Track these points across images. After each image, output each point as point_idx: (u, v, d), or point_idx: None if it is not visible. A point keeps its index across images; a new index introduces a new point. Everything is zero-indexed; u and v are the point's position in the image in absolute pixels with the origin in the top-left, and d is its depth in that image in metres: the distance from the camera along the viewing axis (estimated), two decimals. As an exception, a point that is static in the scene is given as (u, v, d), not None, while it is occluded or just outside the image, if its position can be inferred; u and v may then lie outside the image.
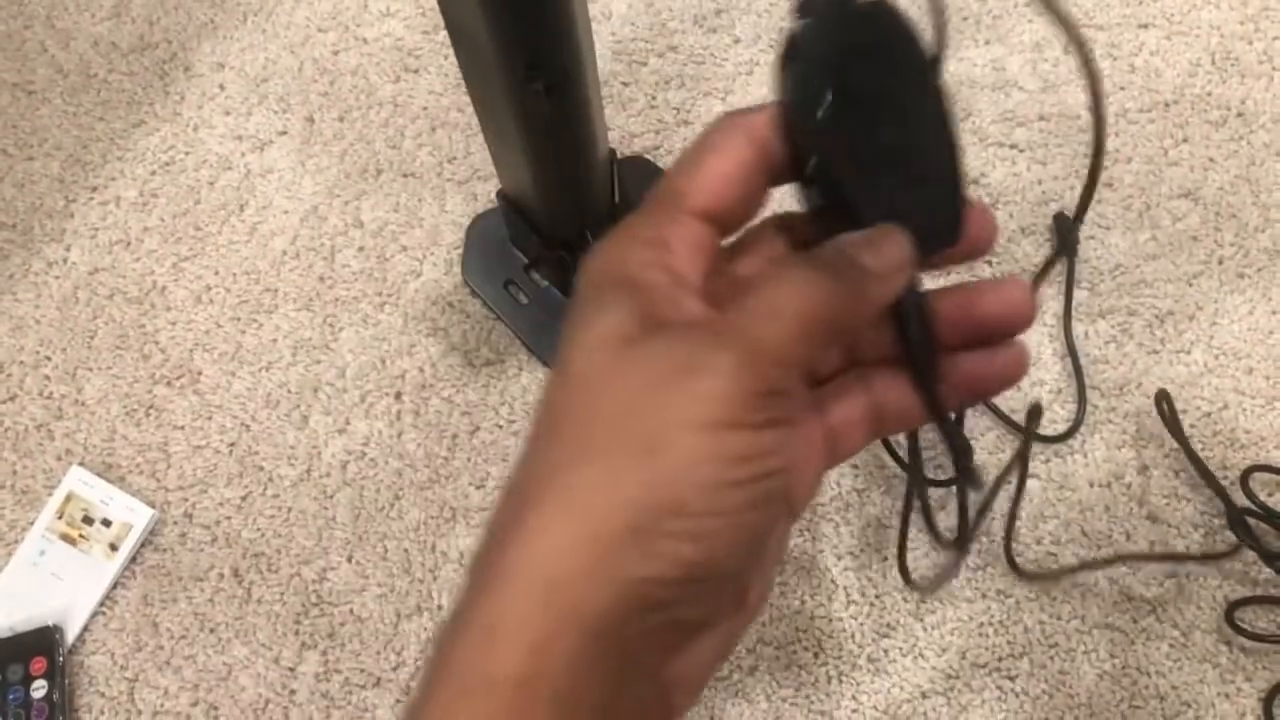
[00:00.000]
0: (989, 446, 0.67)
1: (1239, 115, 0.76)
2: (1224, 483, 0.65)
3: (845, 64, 0.27)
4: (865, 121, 0.27)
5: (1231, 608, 0.62)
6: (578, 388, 0.25)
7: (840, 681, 0.63)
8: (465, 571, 0.26)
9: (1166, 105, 0.76)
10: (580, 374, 0.25)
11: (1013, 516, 0.64)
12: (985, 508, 0.61)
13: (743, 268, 0.30)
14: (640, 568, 0.23)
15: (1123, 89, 0.77)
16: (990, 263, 0.72)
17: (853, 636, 0.64)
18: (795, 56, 0.28)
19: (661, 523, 0.23)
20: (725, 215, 0.28)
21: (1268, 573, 0.63)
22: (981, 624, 0.64)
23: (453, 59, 0.81)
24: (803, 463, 0.28)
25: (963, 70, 0.79)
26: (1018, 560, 0.64)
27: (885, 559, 0.66)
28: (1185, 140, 0.75)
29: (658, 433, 0.24)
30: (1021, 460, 0.63)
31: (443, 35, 0.84)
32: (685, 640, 0.26)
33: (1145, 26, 0.79)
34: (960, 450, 0.32)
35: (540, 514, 0.24)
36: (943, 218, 0.28)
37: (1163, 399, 0.65)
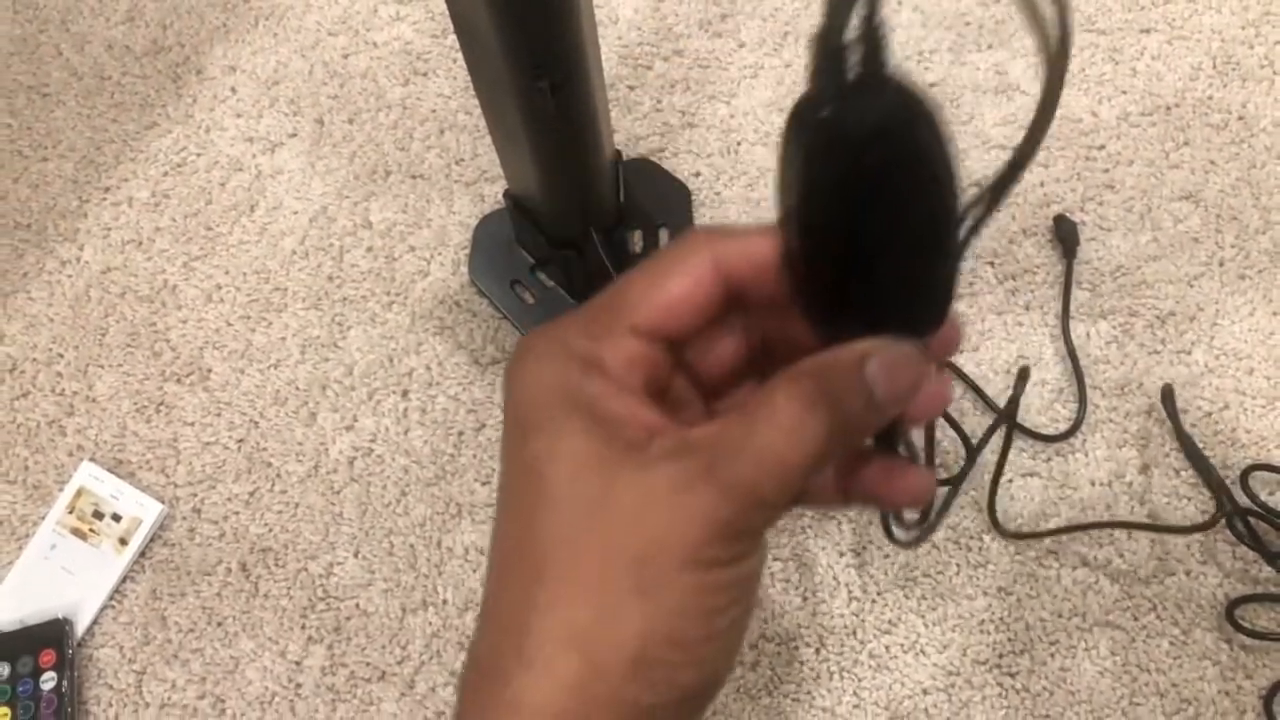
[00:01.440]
0: (990, 445, 0.68)
1: (1240, 119, 0.76)
2: (1225, 481, 0.66)
3: (867, 154, 0.23)
4: (871, 212, 0.24)
5: (1232, 605, 0.62)
6: (564, 514, 0.25)
7: (842, 678, 0.64)
8: (457, 702, 0.27)
9: (1168, 109, 0.77)
10: (565, 499, 0.25)
11: (997, 473, 0.64)
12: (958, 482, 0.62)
13: (701, 362, 0.29)
14: (645, 696, 0.24)
15: (1124, 93, 0.78)
16: (993, 264, 0.73)
17: (854, 633, 0.64)
18: (810, 140, 0.24)
19: (662, 655, 0.24)
20: (669, 336, 0.28)
21: (1268, 570, 0.63)
22: (983, 621, 0.64)
23: (461, 63, 0.83)
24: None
25: (965, 75, 0.79)
26: (1000, 519, 0.65)
27: (886, 555, 0.66)
28: (1186, 143, 0.76)
29: (654, 572, 0.24)
30: (1009, 418, 0.61)
31: (451, 39, 0.85)
32: None
33: (1147, 31, 0.80)
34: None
35: (542, 649, 0.24)
36: (930, 309, 0.27)
37: (1167, 395, 0.66)
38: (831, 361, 0.25)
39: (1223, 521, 0.62)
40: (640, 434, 0.25)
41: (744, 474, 0.24)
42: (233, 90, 0.84)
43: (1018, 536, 0.65)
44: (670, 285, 0.27)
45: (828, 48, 0.23)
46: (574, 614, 0.24)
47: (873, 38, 0.22)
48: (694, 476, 0.24)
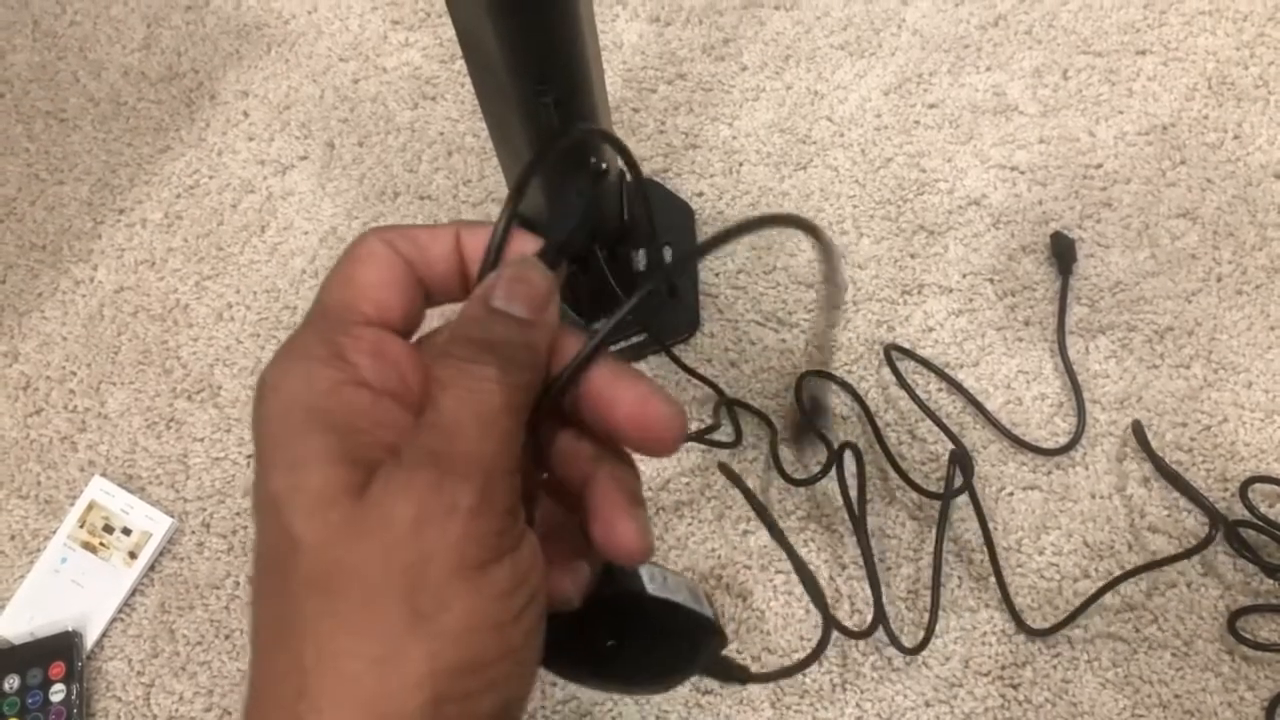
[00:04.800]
0: (991, 459, 0.68)
1: (1235, 138, 0.77)
2: (1224, 494, 0.66)
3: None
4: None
5: (1234, 616, 0.62)
6: (317, 558, 0.23)
7: (844, 689, 0.64)
8: None
9: (1164, 128, 0.78)
10: (314, 544, 0.23)
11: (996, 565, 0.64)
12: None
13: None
14: None
15: (1121, 113, 0.79)
16: (992, 280, 0.74)
17: (856, 644, 0.65)
18: None
19: (457, 687, 0.22)
20: (391, 323, 0.27)
21: (1269, 582, 0.64)
22: (984, 632, 0.64)
23: (468, 87, 0.84)
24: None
25: (964, 95, 0.81)
26: (1022, 616, 0.65)
27: (889, 568, 0.66)
28: (1183, 162, 0.77)
29: (425, 593, 0.22)
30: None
31: (459, 65, 0.87)
32: None
33: (1143, 53, 0.81)
34: None
35: (319, 709, 0.22)
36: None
37: (1137, 429, 0.67)
38: (463, 316, 0.26)
39: (1219, 537, 0.63)
40: (387, 441, 0.24)
41: (459, 448, 0.23)
42: (245, 114, 0.86)
43: (1044, 633, 0.64)
44: (360, 274, 0.27)
45: None
46: (349, 667, 0.22)
47: None
48: (430, 480, 0.23)
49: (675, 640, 0.32)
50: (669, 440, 0.26)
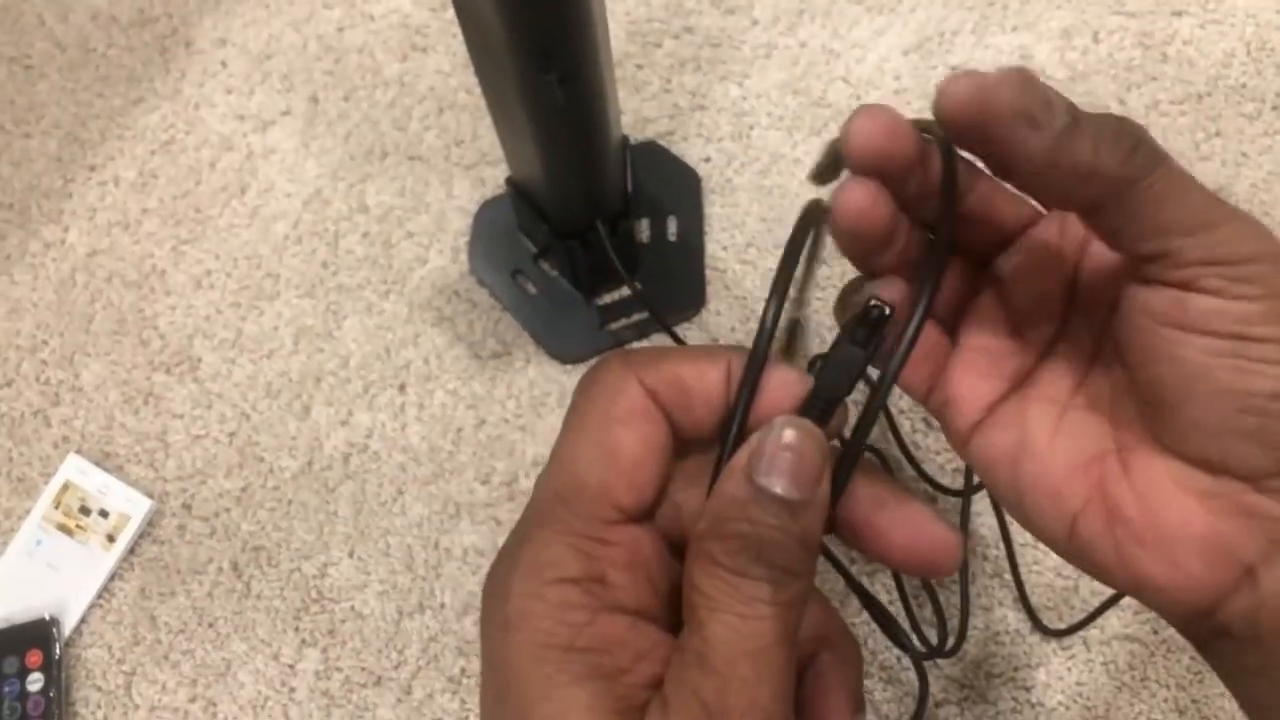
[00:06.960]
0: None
1: (1274, 109, 0.73)
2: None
3: None
4: None
5: (1255, 621, 0.60)
6: None
7: (851, 689, 0.62)
8: None
9: (1199, 97, 0.74)
10: None
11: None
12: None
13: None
14: None
15: (1154, 79, 0.75)
16: (1013, 259, 0.70)
17: (865, 643, 0.62)
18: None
19: None
20: (645, 507, 0.23)
21: (1294, 585, 0.61)
22: (997, 633, 0.62)
23: (462, 37, 0.79)
24: None
25: (989, 57, 0.76)
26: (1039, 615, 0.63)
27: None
28: (1218, 134, 0.73)
29: None
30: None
31: (452, 13, 0.81)
32: None
33: (1179, 14, 0.76)
34: None
35: None
36: None
37: None
38: (723, 494, 0.22)
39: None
40: (650, 675, 0.22)
41: (734, 701, 0.20)
42: (223, 64, 0.81)
43: (1061, 634, 0.62)
44: (622, 444, 0.23)
45: None
46: None
47: None
48: None
49: None
50: (948, 568, 0.24)
